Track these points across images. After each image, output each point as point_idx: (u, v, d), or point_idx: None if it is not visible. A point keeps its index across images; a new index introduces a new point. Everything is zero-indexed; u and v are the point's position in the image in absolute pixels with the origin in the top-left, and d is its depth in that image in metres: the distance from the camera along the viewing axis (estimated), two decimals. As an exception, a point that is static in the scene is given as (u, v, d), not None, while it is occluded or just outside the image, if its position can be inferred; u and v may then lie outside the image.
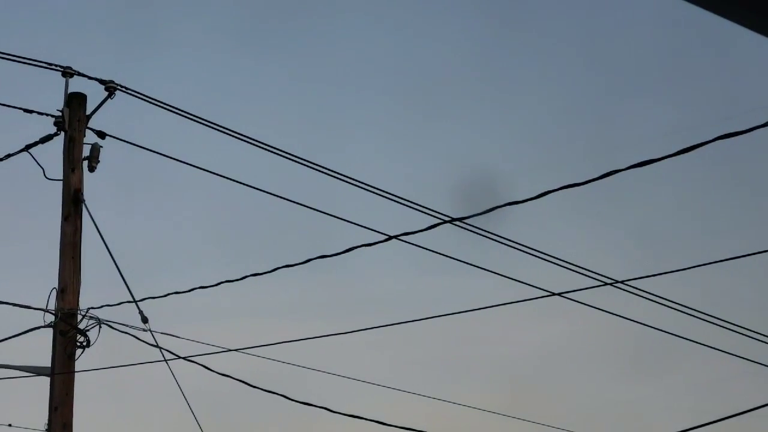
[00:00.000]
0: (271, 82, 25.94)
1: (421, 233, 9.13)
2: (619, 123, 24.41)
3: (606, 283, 9.37)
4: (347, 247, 9.42)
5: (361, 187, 10.16)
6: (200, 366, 10.13)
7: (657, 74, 25.02)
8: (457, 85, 25.90)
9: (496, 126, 25.26)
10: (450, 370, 21.90)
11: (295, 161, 10.32)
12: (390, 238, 9.39)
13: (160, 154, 10.45)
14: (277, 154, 10.35)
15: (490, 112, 25.59)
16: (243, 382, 10.17)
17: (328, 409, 10.20)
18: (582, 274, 9.48)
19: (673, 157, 6.83)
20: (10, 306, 9.94)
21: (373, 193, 10.12)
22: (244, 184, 10.46)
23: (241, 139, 10.37)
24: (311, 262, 9.64)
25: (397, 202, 10.03)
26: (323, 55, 26.24)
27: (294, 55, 25.96)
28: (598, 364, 22.52)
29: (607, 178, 7.11)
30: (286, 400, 10.17)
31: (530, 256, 9.67)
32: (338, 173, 10.23)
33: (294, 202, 10.41)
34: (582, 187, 7.40)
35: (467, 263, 10.12)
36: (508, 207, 8.08)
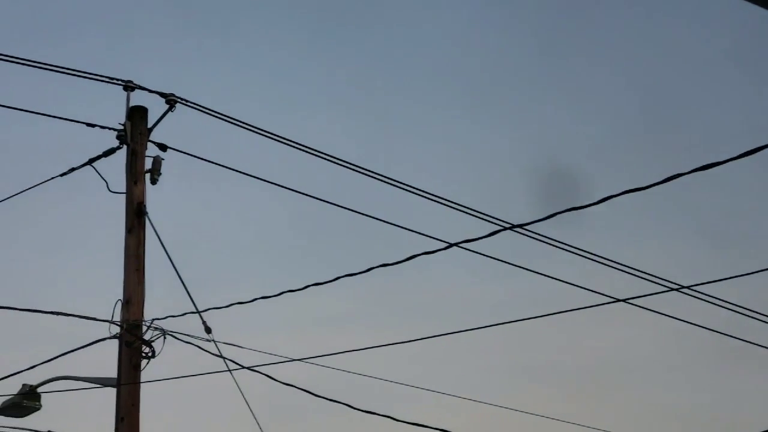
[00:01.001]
0: (324, 85, 25.97)
1: (481, 240, 9.07)
2: (688, 126, 24.10)
3: (671, 289, 9.24)
4: (408, 255, 9.38)
5: (422, 195, 10.13)
6: (264, 375, 10.15)
7: (728, 76, 24.68)
8: (518, 86, 25.75)
9: (562, 128, 25.01)
10: (514, 377, 21.77)
11: (355, 170, 10.32)
12: (451, 245, 9.34)
13: (221, 165, 10.52)
14: (338, 163, 10.36)
15: (556, 113, 25.38)
16: (307, 391, 10.17)
17: (392, 418, 10.16)
18: (647, 279, 9.36)
19: (738, 160, 6.69)
20: (76, 318, 10.03)
21: (432, 200, 10.09)
22: (304, 194, 10.49)
23: (301, 149, 10.40)
24: (372, 270, 9.62)
25: (457, 209, 9.99)
26: (381, 59, 26.24)
27: (351, 61, 25.97)
28: (665, 369, 22.24)
29: (672, 181, 7.00)
30: (350, 408, 10.16)
31: (594, 261, 9.58)
32: (397, 181, 10.21)
33: (354, 210, 10.41)
34: (647, 190, 7.28)
35: (529, 270, 10.04)
36: (571, 211, 7.98)
